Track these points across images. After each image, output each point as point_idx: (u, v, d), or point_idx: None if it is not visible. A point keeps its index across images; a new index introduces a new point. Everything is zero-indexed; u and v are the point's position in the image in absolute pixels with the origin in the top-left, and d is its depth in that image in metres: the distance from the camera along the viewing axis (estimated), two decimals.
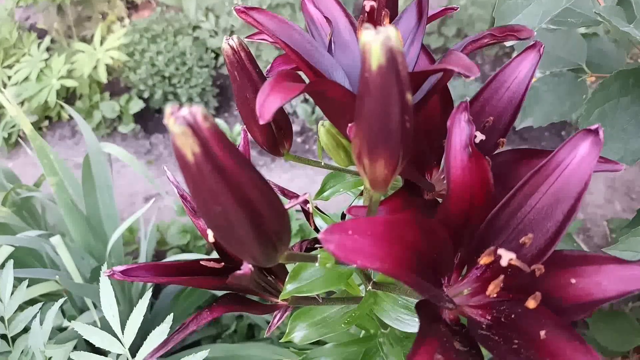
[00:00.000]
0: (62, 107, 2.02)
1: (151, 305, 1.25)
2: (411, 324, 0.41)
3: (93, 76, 1.92)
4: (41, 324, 0.57)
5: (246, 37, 0.46)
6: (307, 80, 0.33)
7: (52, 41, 2.13)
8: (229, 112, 2.00)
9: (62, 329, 1.04)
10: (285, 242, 0.28)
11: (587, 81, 0.63)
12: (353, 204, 0.38)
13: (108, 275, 0.33)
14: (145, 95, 1.92)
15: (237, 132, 1.76)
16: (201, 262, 0.35)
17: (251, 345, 1.21)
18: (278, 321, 0.42)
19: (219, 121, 1.82)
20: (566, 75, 0.61)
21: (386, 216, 0.28)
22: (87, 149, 1.12)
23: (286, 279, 0.36)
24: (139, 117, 1.99)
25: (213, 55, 1.99)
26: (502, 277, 0.28)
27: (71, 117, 2.05)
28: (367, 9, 0.37)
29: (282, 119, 0.40)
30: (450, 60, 0.28)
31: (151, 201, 0.93)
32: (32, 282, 1.01)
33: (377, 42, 0.22)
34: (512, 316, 0.30)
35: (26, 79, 1.92)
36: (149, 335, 0.48)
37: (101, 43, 1.96)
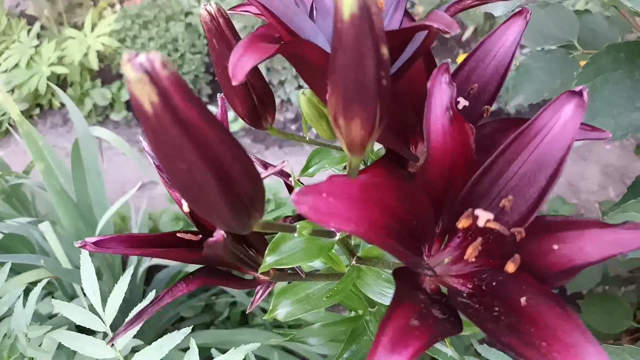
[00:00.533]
0: (53, 95, 1.99)
1: (143, 293, 1.24)
2: None
3: (84, 63, 1.90)
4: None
5: (229, 9, 0.45)
6: None
7: (42, 28, 2.10)
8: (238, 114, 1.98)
9: (52, 317, 1.03)
10: (259, 208, 0.27)
11: (578, 58, 0.61)
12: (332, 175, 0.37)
13: (80, 247, 0.32)
14: None
15: (231, 118, 1.75)
16: (178, 235, 0.34)
17: (244, 331, 1.21)
18: (260, 297, 0.42)
19: (212, 108, 1.80)
20: (557, 52, 0.60)
21: (363, 179, 0.28)
22: (76, 133, 1.10)
23: (265, 252, 0.35)
24: (131, 105, 1.96)
25: (205, 41, 1.97)
26: (480, 239, 0.27)
27: (62, 105, 2.03)
28: None
29: (262, 88, 0.39)
30: (431, 18, 0.27)
31: (138, 184, 0.91)
32: (22, 269, 1.00)
33: None
34: (493, 284, 0.30)
35: (16, 65, 1.90)
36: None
37: (92, 29, 1.93)
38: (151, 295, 0.42)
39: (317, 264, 0.61)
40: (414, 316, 0.25)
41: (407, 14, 0.37)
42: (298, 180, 0.42)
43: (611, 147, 1.77)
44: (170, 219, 1.49)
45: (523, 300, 0.27)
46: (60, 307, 0.45)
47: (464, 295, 0.30)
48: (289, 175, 0.43)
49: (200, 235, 0.34)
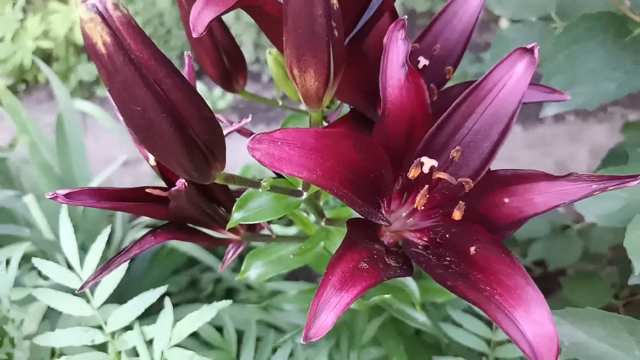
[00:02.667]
0: (38, 70, 1.96)
1: (128, 270, 1.25)
2: None
3: (69, 38, 1.87)
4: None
5: None
6: None
7: (27, 1, 2.06)
8: (208, 76, 1.97)
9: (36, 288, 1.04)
10: (219, 157, 0.28)
11: (556, 29, 0.62)
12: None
13: (51, 198, 0.33)
14: None
15: (217, 95, 1.74)
16: (147, 190, 0.35)
17: (229, 306, 1.23)
18: (231, 257, 0.43)
19: (199, 84, 1.79)
20: (536, 23, 0.60)
21: (318, 129, 0.28)
22: (60, 107, 1.10)
23: (233, 208, 0.36)
24: None
25: None
26: (426, 187, 0.28)
27: (48, 81, 2.00)
28: None
29: (232, 49, 0.40)
30: None
31: (122, 158, 0.91)
32: (6, 241, 1.01)
33: None
34: (447, 236, 0.31)
35: (0, 40, 1.86)
36: (124, 299, 0.47)
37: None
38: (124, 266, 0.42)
39: (292, 230, 0.62)
40: (364, 260, 0.26)
41: None
42: None
43: (600, 127, 1.78)
44: None
45: (472, 249, 0.29)
46: (39, 264, 0.46)
47: (420, 247, 0.31)
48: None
49: (168, 191, 0.35)
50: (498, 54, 0.61)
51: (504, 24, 1.73)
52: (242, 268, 0.46)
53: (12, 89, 1.95)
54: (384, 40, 0.29)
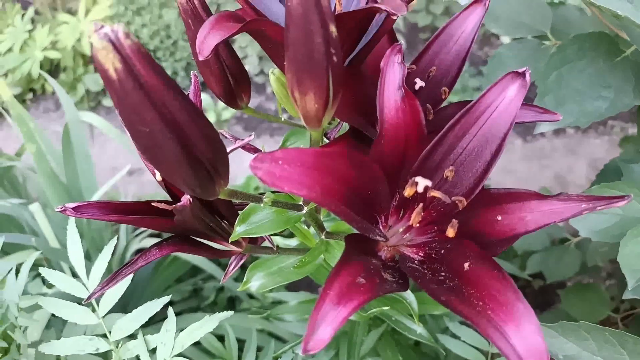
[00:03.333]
0: (46, 80, 1.99)
1: (131, 278, 1.26)
2: None
3: (77, 48, 1.90)
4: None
5: None
6: None
7: (37, 12, 2.10)
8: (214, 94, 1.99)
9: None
10: (222, 174, 0.29)
11: (551, 48, 0.64)
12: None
13: (60, 211, 0.34)
14: None
15: (222, 106, 1.76)
16: (152, 204, 0.36)
17: (231, 315, 1.23)
18: (233, 268, 0.44)
19: (204, 96, 1.81)
20: (530, 42, 0.62)
21: (317, 148, 0.30)
22: (66, 118, 1.12)
23: (236, 222, 0.37)
24: None
25: None
26: (421, 205, 0.29)
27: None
28: None
29: (237, 68, 0.41)
30: (384, 1, 0.29)
31: (127, 167, 0.93)
32: (12, 249, 1.02)
33: None
34: (442, 252, 0.32)
35: (9, 50, 1.90)
36: (128, 307, 0.48)
37: (86, 15, 1.93)
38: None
39: (293, 242, 0.63)
40: (361, 275, 0.27)
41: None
42: None
43: (600, 141, 1.79)
44: None
45: (466, 265, 0.30)
46: (47, 274, 0.47)
47: (415, 262, 0.32)
48: (259, 151, 0.45)
49: (174, 205, 0.36)
50: (494, 71, 0.62)
51: (505, 38, 1.74)
52: (244, 279, 0.47)
53: (20, 98, 1.98)
54: (382, 64, 0.30)
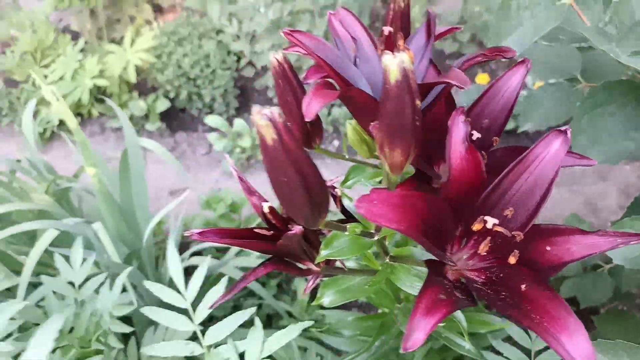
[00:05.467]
0: (92, 105, 2.14)
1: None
2: None
3: (123, 76, 2.04)
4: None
5: (284, 49, 0.55)
6: (337, 87, 0.42)
7: (86, 42, 2.26)
8: (248, 112, 2.11)
9: None
10: (325, 210, 0.37)
11: (582, 90, 0.70)
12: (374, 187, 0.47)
13: (188, 235, 0.42)
14: (171, 95, 2.04)
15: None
16: (255, 230, 0.44)
17: (271, 331, 1.30)
18: (312, 285, 0.51)
19: (240, 121, 1.92)
20: (562, 84, 0.69)
21: (401, 191, 0.37)
22: (126, 143, 1.22)
23: (321, 246, 0.45)
24: (164, 116, 2.10)
25: (235, 58, 2.10)
26: (489, 238, 0.37)
27: (101, 115, 2.18)
28: (386, 33, 0.46)
29: (315, 118, 0.49)
30: (450, 76, 0.37)
31: (186, 192, 1.02)
32: None
33: (394, 64, 0.31)
34: (501, 275, 0.39)
35: (61, 78, 2.05)
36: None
37: (131, 45, 2.07)
38: (225, 279, 0.52)
39: (350, 263, 0.70)
40: (441, 293, 0.34)
41: (431, 62, 0.47)
42: (342, 191, 0.52)
43: (631, 167, 1.81)
44: (202, 223, 1.60)
45: (523, 286, 0.37)
46: (150, 286, 0.55)
47: (479, 283, 0.39)
48: (334, 187, 0.52)
49: (272, 232, 0.44)
50: (529, 111, 0.69)
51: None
52: (317, 295, 0.54)
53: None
54: (449, 122, 0.38)
